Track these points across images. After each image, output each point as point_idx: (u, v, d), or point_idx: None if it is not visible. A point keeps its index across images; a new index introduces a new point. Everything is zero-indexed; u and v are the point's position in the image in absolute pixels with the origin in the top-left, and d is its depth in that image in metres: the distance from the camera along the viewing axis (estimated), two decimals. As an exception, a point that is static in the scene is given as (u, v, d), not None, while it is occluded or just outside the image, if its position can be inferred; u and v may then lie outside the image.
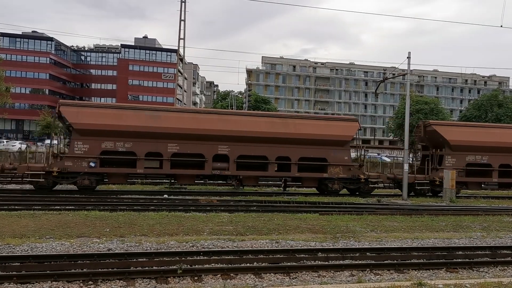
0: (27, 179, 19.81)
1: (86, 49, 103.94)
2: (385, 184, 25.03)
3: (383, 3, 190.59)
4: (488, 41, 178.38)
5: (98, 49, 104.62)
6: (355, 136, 23.22)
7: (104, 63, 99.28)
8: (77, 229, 11.90)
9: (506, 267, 9.93)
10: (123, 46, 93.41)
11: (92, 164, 19.93)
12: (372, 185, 23.44)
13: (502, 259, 10.41)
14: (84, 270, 8.28)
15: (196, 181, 23.18)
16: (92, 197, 18.73)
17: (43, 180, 19.58)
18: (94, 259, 8.87)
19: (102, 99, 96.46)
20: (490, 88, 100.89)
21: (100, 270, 8.27)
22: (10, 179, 23.06)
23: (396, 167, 29.65)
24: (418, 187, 23.91)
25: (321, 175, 22.49)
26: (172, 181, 23.25)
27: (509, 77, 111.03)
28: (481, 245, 11.86)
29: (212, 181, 25.20)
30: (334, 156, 22.49)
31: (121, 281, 7.92)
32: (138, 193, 21.00)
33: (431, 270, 9.48)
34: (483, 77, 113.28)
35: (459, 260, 10.22)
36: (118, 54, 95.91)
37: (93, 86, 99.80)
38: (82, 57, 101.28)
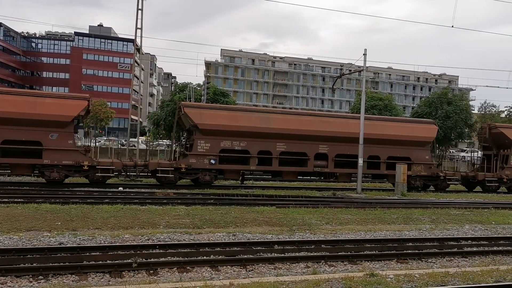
0: (158, 174, 21.29)
1: (37, 36, 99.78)
2: (460, 181, 27.39)
3: (342, 1, 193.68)
4: (439, 40, 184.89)
5: (50, 37, 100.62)
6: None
7: (57, 51, 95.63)
8: (27, 223, 11.47)
9: (452, 258, 10.40)
10: (76, 34, 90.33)
11: (213, 161, 21.84)
12: (448, 182, 25.84)
13: (449, 250, 10.89)
14: (34, 264, 8.00)
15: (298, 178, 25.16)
16: (43, 190, 18.11)
17: (172, 175, 21.20)
18: (45, 253, 8.60)
19: (54, 88, 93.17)
20: (440, 86, 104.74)
21: (51, 264, 8.02)
22: (137, 173, 23.93)
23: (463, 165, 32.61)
24: (488, 184, 26.07)
25: None
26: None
27: (458, 76, 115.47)
28: (429, 236, 12.35)
29: (311, 178, 26.73)
30: (417, 156, 25.04)
31: (73, 276, 7.72)
32: (91, 186, 20.47)
33: (383, 261, 9.78)
34: (434, 75, 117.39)
35: (409, 251, 10.60)
36: (72, 42, 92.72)
37: (44, 74, 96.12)
38: (33, 44, 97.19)
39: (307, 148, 23.02)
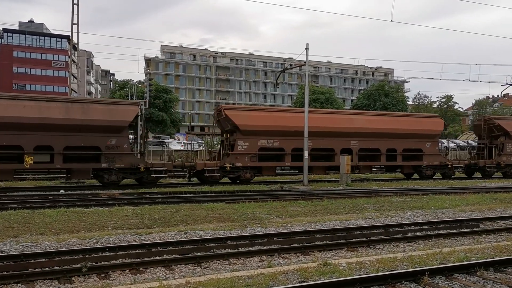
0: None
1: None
2: None
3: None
4: (377, 34, 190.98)
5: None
6: None
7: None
8: (-38, 232, 10.74)
9: (399, 243, 10.83)
10: (5, 30, 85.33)
11: None
12: None
13: (395, 236, 11.34)
14: (-26, 276, 7.50)
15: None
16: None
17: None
18: (-15, 264, 8.09)
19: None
20: (377, 79, 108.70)
21: (-7, 274, 7.55)
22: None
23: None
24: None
25: None
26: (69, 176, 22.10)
27: (393, 69, 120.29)
28: (376, 224, 12.79)
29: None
30: None
31: (19, 285, 7.31)
32: (30, 190, 19.51)
33: (334, 251, 10.02)
34: (371, 68, 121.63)
35: (358, 239, 10.93)
36: (0, 40, 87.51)
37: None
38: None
39: None
